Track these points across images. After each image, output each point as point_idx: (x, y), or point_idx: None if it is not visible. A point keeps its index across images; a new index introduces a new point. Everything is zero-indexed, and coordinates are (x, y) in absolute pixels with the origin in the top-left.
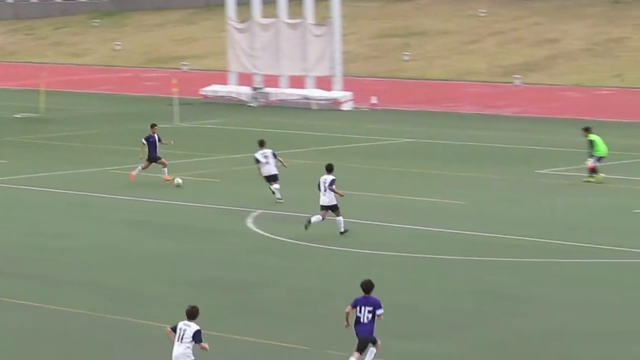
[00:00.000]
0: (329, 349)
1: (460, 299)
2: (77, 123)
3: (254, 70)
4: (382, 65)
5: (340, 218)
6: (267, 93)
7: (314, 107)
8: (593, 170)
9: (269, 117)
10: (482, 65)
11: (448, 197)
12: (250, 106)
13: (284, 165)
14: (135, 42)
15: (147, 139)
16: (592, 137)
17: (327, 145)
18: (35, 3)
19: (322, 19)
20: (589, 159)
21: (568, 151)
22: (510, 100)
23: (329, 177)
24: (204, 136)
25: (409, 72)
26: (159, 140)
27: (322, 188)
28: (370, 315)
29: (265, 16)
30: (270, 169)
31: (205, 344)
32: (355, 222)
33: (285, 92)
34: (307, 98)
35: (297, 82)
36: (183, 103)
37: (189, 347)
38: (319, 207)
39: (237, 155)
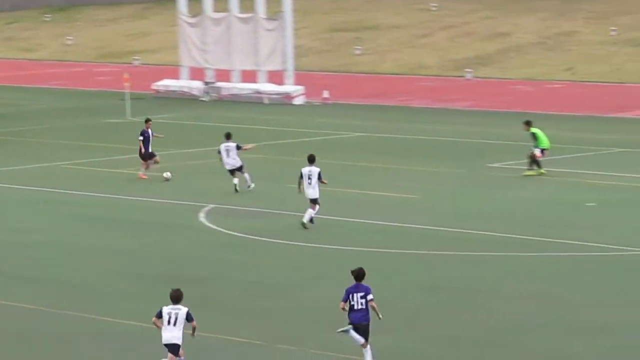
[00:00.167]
0: (282, 343)
1: (416, 293)
2: (29, 118)
3: (206, 65)
4: (334, 59)
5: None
6: (219, 87)
7: (266, 101)
8: (535, 162)
9: (221, 112)
10: (433, 59)
11: (401, 191)
12: (202, 101)
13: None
14: (87, 36)
15: (142, 133)
16: (534, 130)
17: (279, 139)
18: None
19: (274, 13)
20: (534, 149)
21: (519, 145)
22: (461, 94)
23: (315, 170)
24: (156, 131)
25: (360, 66)
26: (152, 134)
27: (306, 180)
28: (363, 301)
29: (216, 10)
30: (233, 162)
31: (195, 322)
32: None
33: (237, 86)
34: (259, 92)
35: (249, 76)
36: (135, 98)
37: (180, 330)
38: (308, 201)
39: (190, 150)
